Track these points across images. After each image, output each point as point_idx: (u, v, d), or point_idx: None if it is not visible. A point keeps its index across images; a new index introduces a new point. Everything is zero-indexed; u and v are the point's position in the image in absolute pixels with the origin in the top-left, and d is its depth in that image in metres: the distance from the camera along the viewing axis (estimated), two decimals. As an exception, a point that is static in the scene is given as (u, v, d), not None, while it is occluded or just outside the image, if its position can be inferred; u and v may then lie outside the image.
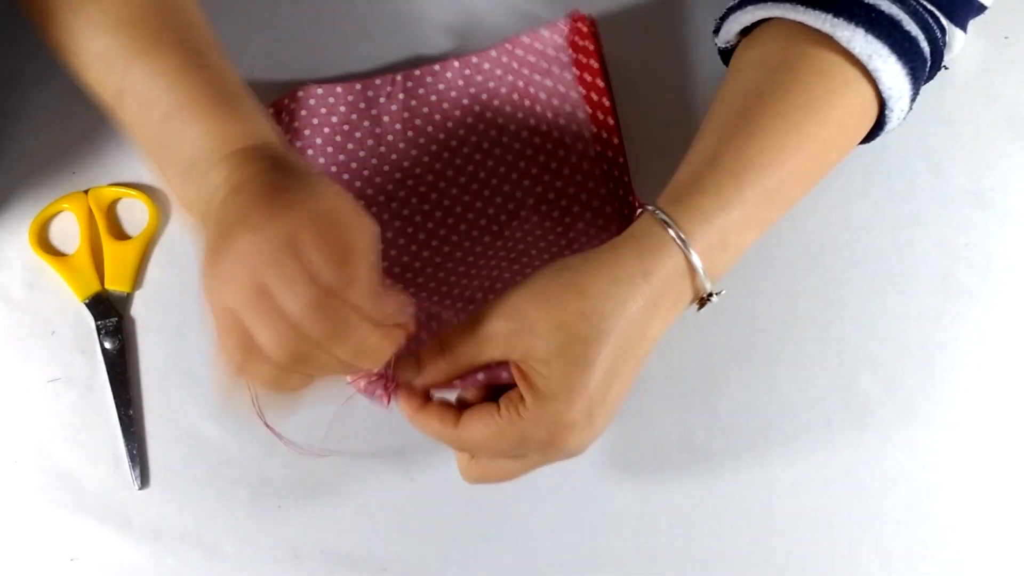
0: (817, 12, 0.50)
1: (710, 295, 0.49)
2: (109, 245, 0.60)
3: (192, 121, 0.48)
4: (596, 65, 0.59)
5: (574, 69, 0.60)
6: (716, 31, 0.57)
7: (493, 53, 0.62)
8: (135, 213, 0.61)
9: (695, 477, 0.55)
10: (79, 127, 0.62)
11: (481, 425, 0.47)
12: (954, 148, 0.61)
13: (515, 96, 0.60)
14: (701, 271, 0.47)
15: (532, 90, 0.60)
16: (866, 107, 0.52)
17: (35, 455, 0.56)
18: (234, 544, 0.55)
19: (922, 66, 0.52)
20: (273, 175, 0.46)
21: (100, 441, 0.56)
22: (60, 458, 0.56)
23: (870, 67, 0.50)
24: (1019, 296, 0.58)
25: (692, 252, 0.47)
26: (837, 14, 0.50)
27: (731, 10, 0.55)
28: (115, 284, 0.59)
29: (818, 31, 0.50)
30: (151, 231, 0.60)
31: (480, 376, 0.48)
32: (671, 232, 0.47)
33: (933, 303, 0.58)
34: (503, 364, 0.48)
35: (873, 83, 0.51)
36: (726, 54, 0.58)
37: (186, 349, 0.58)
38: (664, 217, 0.47)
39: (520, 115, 0.60)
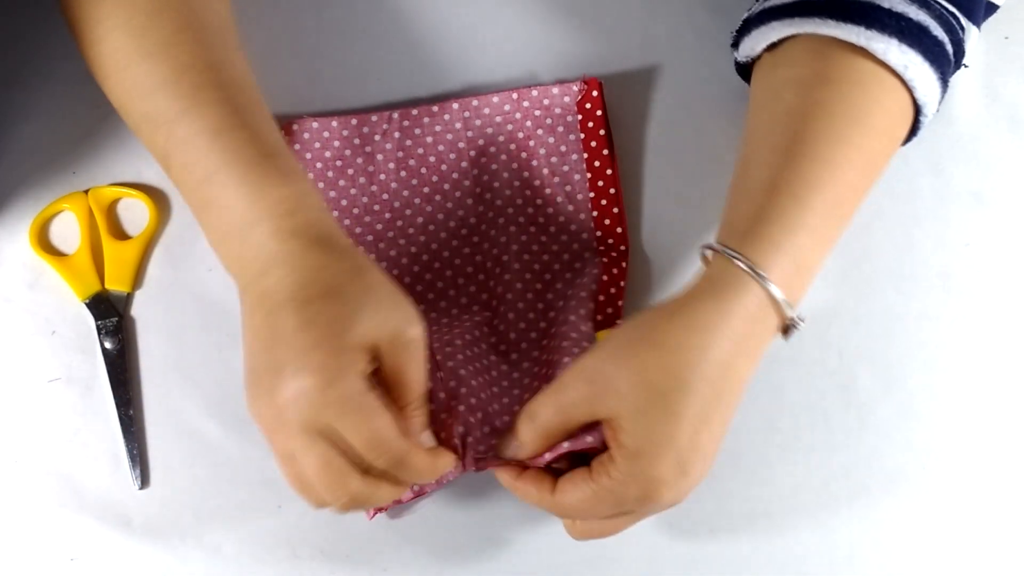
0: (850, 26, 0.49)
1: (794, 322, 0.48)
2: (109, 245, 0.60)
3: (228, 185, 0.48)
4: (603, 132, 0.60)
5: (580, 131, 0.60)
6: (734, 44, 0.56)
7: (495, 100, 0.61)
8: (135, 213, 0.61)
9: (695, 477, 0.55)
10: (79, 127, 0.62)
11: (577, 491, 0.47)
12: (954, 148, 0.61)
13: (512, 146, 0.60)
14: (783, 301, 0.46)
15: (532, 143, 0.60)
16: (904, 112, 0.52)
17: (35, 455, 0.56)
18: (234, 544, 0.55)
19: (949, 69, 0.52)
20: (317, 260, 0.46)
21: (100, 441, 0.57)
22: (60, 458, 0.56)
23: (906, 77, 0.50)
24: (1019, 296, 0.58)
25: (770, 284, 0.46)
26: (870, 26, 0.49)
27: (751, 23, 0.54)
28: (115, 284, 0.59)
29: (850, 43, 0.50)
30: (151, 231, 0.60)
31: (565, 445, 0.48)
32: (744, 267, 0.46)
33: (933, 303, 0.58)
34: (588, 431, 0.48)
35: (908, 89, 0.50)
36: (743, 67, 0.57)
37: (186, 349, 0.58)
38: (735, 254, 0.46)
39: (515, 165, 0.60)
